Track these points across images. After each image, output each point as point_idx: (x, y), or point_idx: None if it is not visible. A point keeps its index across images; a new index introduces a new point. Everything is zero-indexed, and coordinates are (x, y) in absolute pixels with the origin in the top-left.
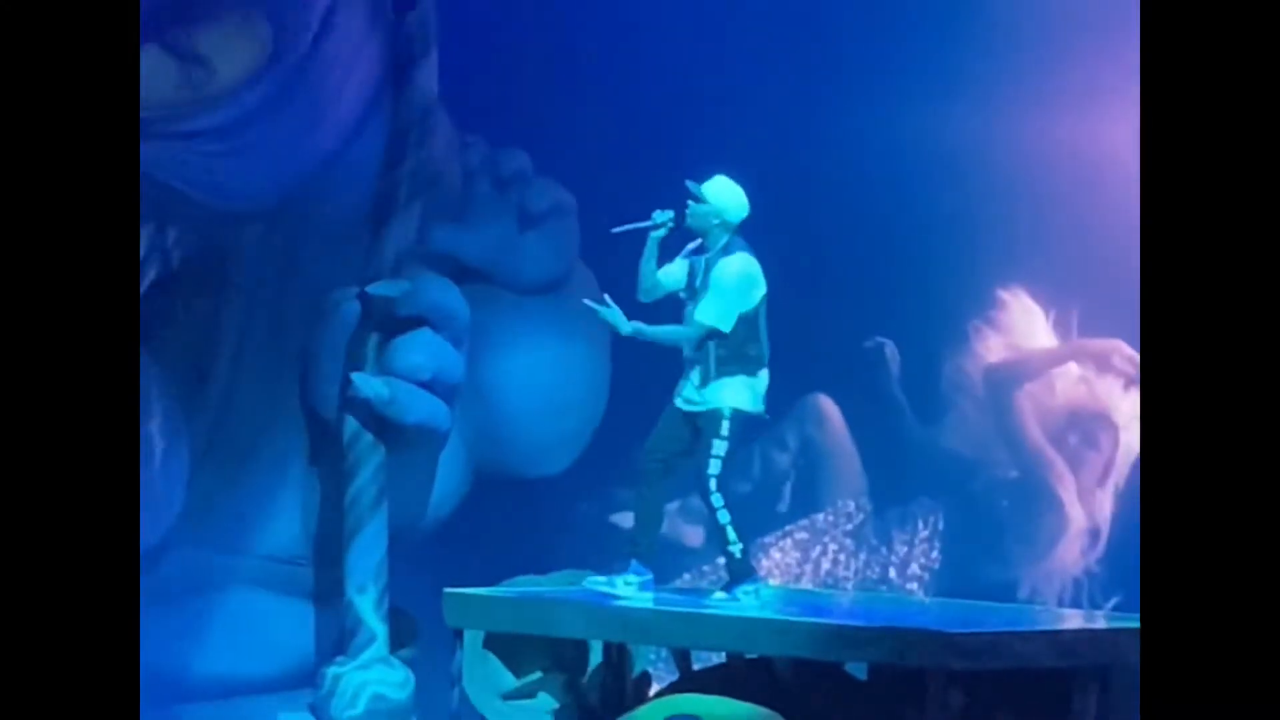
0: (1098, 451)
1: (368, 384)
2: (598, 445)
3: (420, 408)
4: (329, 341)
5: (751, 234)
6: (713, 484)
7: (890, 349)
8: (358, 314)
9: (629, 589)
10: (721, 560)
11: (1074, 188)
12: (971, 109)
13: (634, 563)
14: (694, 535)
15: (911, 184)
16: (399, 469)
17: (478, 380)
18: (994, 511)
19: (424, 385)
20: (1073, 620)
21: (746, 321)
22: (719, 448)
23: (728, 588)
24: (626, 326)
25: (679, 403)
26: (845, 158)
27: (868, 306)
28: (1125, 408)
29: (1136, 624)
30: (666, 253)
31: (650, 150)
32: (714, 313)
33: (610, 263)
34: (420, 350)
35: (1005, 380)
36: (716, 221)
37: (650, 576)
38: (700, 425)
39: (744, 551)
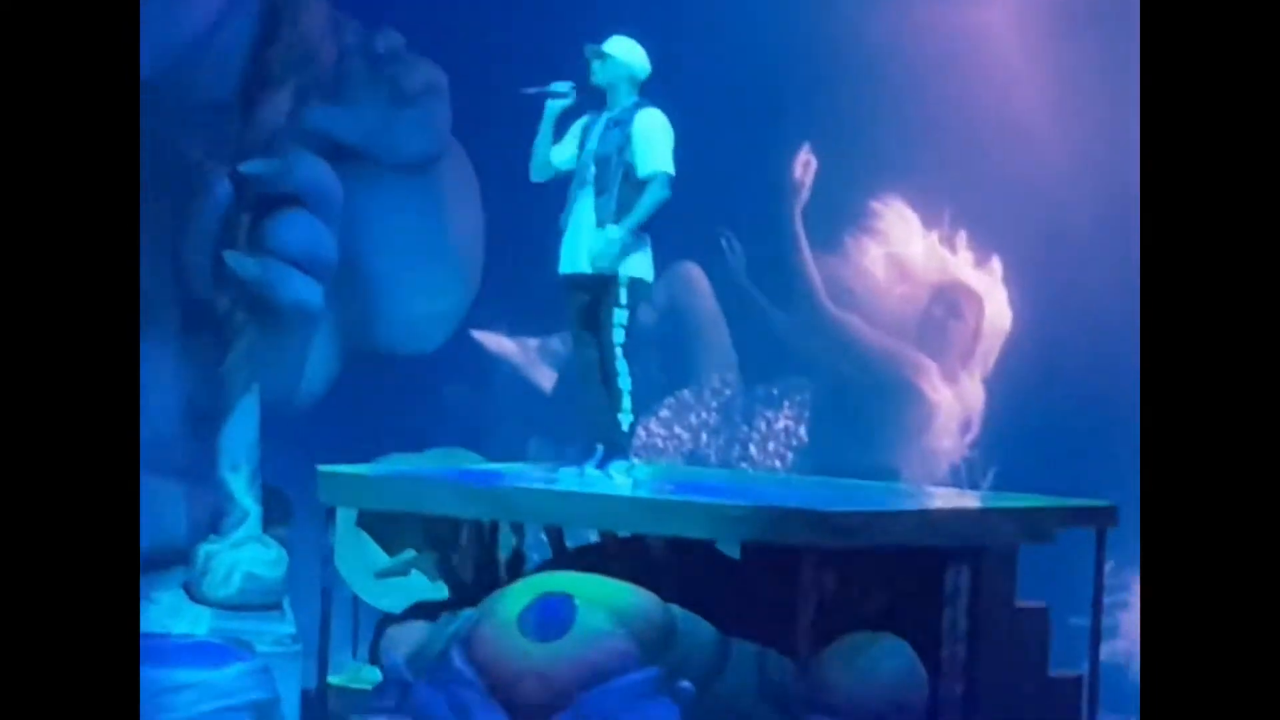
0: (961, 329)
1: (240, 263)
2: (471, 323)
3: (293, 286)
4: (201, 221)
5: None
6: (618, 351)
7: (731, 241)
8: (230, 193)
9: (620, 475)
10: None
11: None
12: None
13: (599, 447)
14: None
15: (806, 74)
16: (272, 347)
17: (351, 258)
18: (859, 397)
19: (296, 264)
20: (946, 499)
21: None
22: (621, 316)
23: (602, 462)
24: (607, 263)
25: (594, 260)
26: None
27: (750, 182)
28: (983, 282)
29: (1010, 504)
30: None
31: (522, 29)
32: (661, 158)
33: (483, 140)
34: (293, 229)
35: (862, 274)
36: (626, 75)
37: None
38: (598, 293)
39: (631, 427)
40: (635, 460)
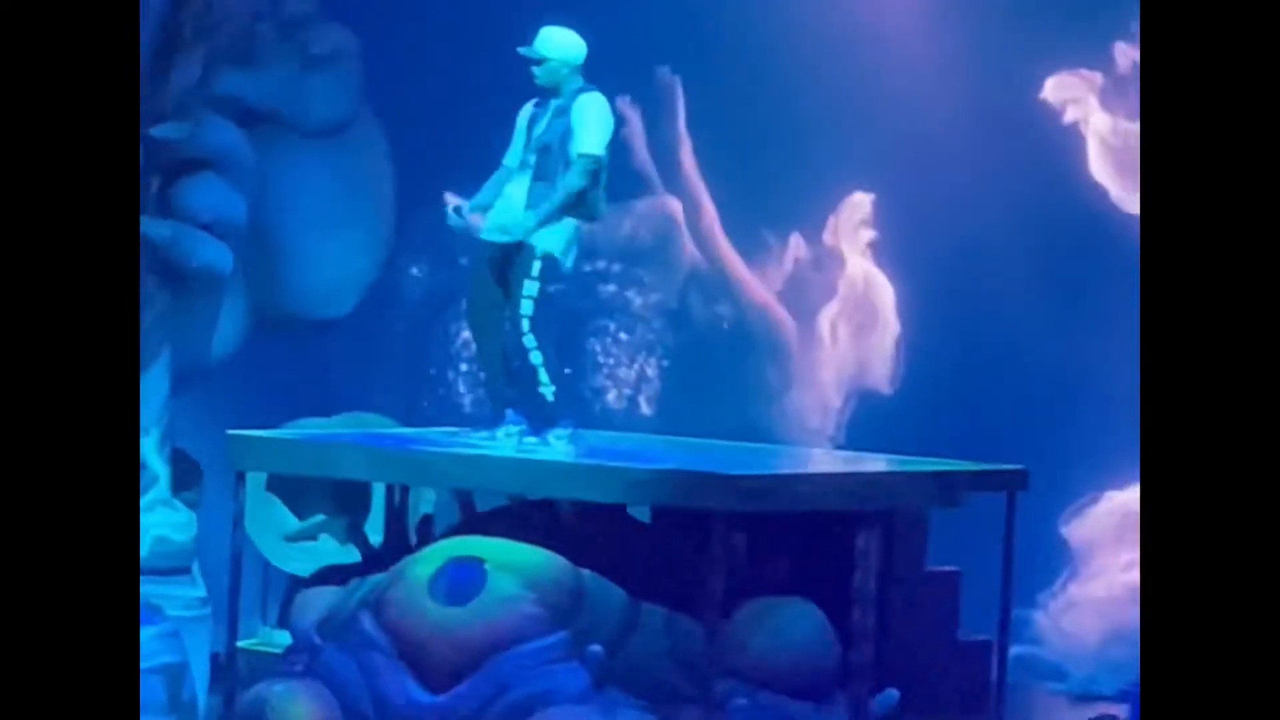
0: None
1: (150, 226)
2: (382, 288)
3: (203, 250)
4: None
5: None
6: (525, 324)
7: None
8: (140, 157)
9: (510, 440)
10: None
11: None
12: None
13: (510, 412)
14: None
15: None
16: (182, 311)
17: (261, 222)
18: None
19: (207, 228)
20: (856, 463)
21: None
22: (530, 288)
23: (538, 431)
24: (519, 231)
25: (504, 232)
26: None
27: None
28: (854, 245)
29: (919, 468)
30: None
31: None
32: (592, 140)
33: (395, 105)
34: (203, 193)
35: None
36: (567, 70)
37: (525, 425)
38: (512, 262)
39: (556, 395)
40: (573, 427)
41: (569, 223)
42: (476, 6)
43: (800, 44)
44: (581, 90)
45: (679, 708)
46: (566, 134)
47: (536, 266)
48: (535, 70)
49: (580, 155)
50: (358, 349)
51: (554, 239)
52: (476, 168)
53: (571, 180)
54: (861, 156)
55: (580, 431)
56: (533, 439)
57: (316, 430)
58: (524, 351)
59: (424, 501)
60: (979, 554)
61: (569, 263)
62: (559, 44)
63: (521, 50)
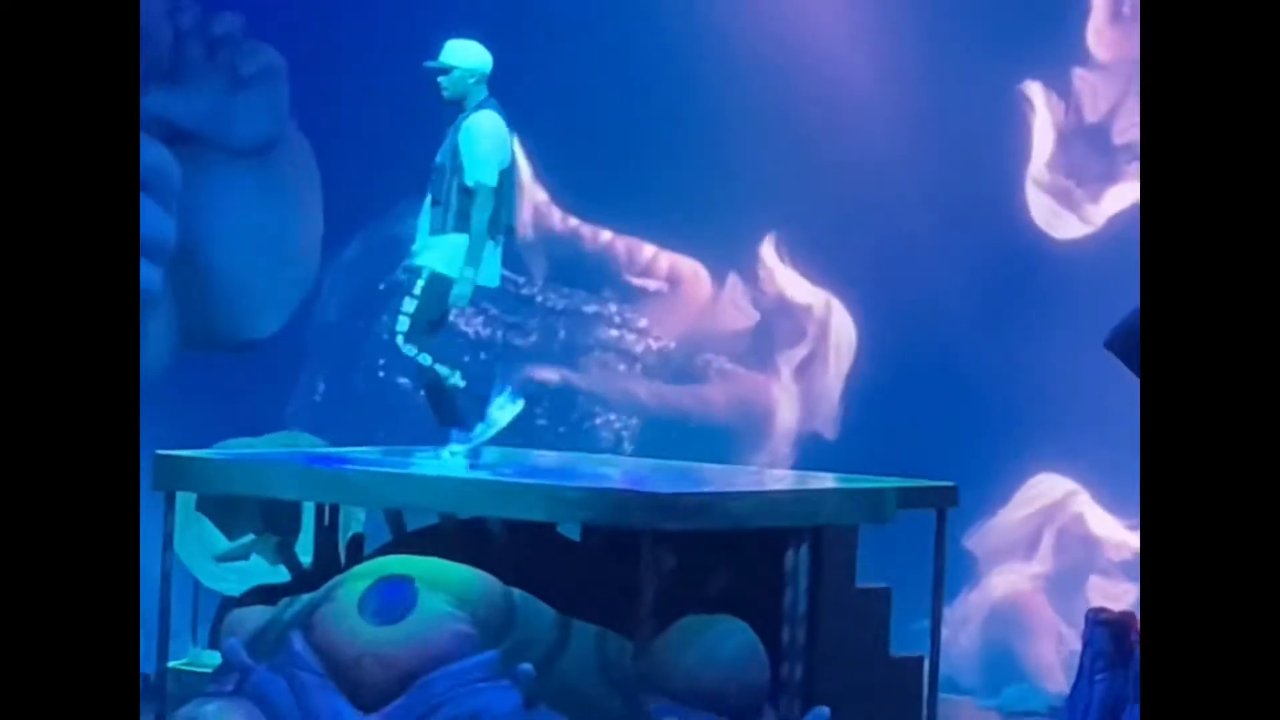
0: (803, 343)
1: None
2: (311, 307)
3: None
4: None
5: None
6: (399, 339)
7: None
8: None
9: (455, 459)
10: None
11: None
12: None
13: (454, 432)
14: None
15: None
16: None
17: (189, 242)
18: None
19: None
20: (784, 480)
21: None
22: (408, 305)
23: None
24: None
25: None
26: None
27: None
28: (814, 298)
29: (849, 484)
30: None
31: (361, 11)
32: (481, 168)
33: (322, 124)
34: None
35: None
36: (473, 80)
37: (470, 444)
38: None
39: (468, 383)
40: (477, 443)
41: (458, 238)
42: (404, 25)
43: (733, 64)
44: (479, 106)
45: None
46: (455, 154)
47: (419, 285)
48: (441, 81)
49: (478, 184)
50: (286, 368)
51: (438, 257)
52: (404, 186)
53: (477, 216)
54: (795, 186)
55: (483, 449)
56: (459, 448)
57: (246, 450)
58: (410, 360)
59: (354, 521)
60: (907, 569)
61: (493, 281)
62: (462, 53)
63: (427, 64)
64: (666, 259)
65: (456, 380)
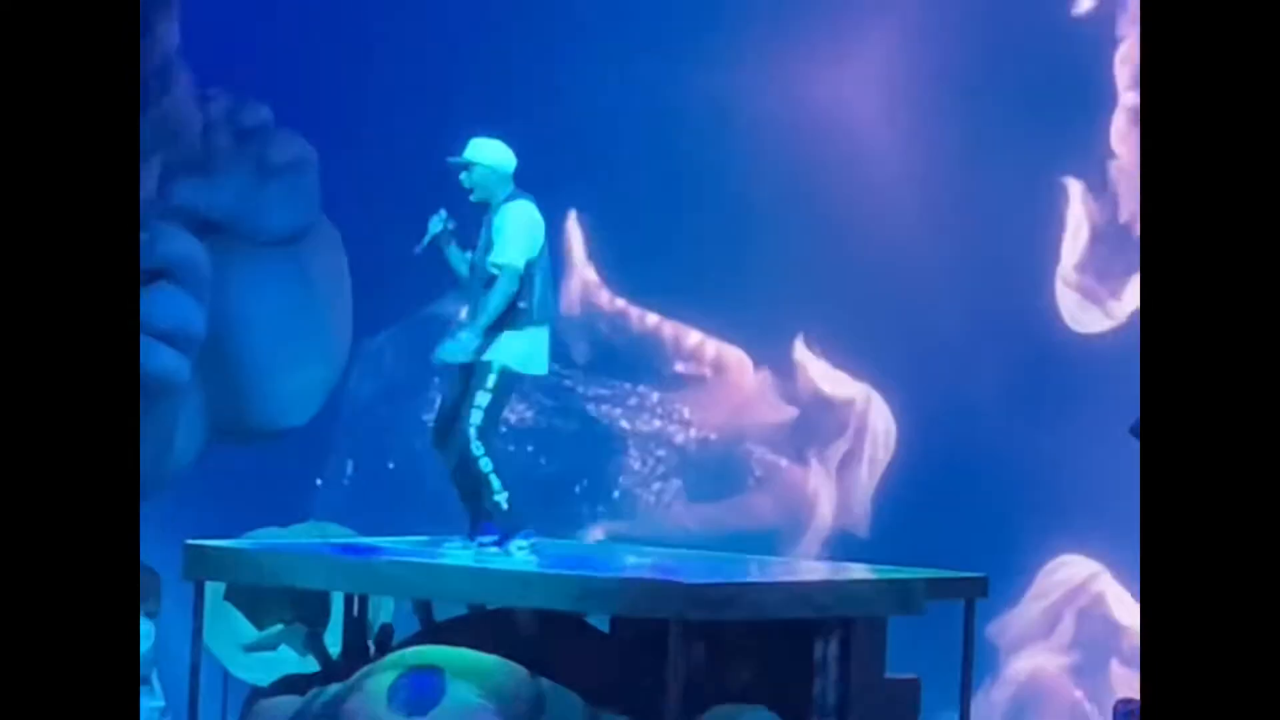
0: (842, 438)
1: None
2: (340, 398)
3: (159, 360)
4: None
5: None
6: (473, 433)
7: None
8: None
9: (483, 550)
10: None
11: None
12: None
13: (486, 524)
14: None
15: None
16: None
17: (218, 332)
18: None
19: (163, 337)
20: (815, 571)
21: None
22: (482, 399)
23: (500, 542)
24: (463, 355)
25: (448, 354)
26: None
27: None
28: (854, 391)
29: (879, 575)
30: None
31: (392, 104)
32: (506, 253)
33: (352, 214)
34: (160, 303)
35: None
36: (496, 179)
37: (496, 537)
38: (469, 376)
39: (510, 501)
40: (534, 535)
41: (529, 333)
42: (434, 116)
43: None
44: (511, 196)
45: None
46: (487, 246)
47: (492, 380)
48: (462, 178)
49: (494, 265)
50: (316, 458)
51: (509, 352)
52: (436, 275)
53: (493, 294)
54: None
55: (542, 540)
56: (493, 549)
57: (275, 539)
58: (473, 460)
59: (383, 611)
60: (933, 659)
61: (539, 369)
62: (484, 151)
63: (450, 159)
64: (713, 346)
65: (501, 500)
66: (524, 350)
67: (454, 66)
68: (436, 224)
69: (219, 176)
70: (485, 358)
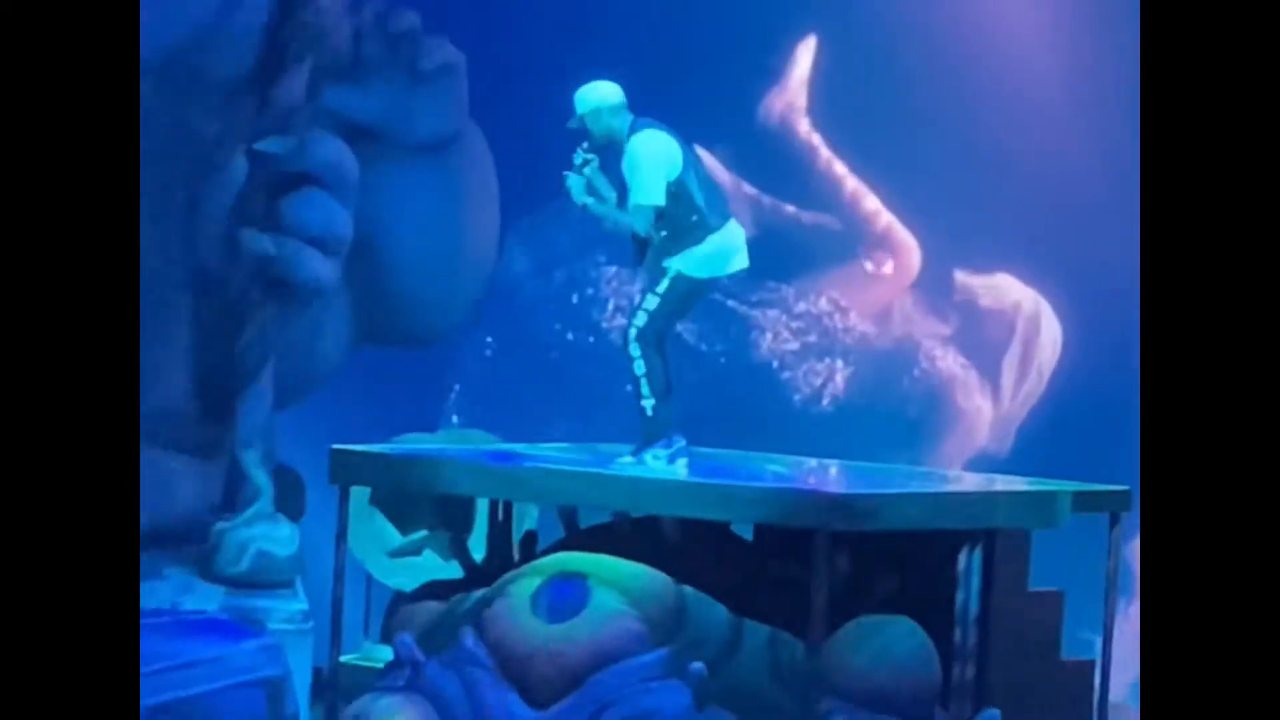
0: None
1: (255, 241)
2: (487, 306)
3: (308, 265)
4: (217, 198)
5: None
6: (633, 333)
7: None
8: (246, 171)
9: (658, 462)
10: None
11: None
12: None
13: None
14: None
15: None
16: (286, 326)
17: (366, 238)
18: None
19: (312, 242)
20: (959, 483)
21: (672, 195)
22: (650, 301)
23: (637, 451)
24: (580, 197)
25: (572, 187)
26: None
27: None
28: (1022, 296)
29: (1022, 488)
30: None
31: (539, 9)
32: (640, 191)
33: (500, 121)
34: (308, 208)
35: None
36: (607, 116)
37: (683, 443)
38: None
39: (655, 409)
40: (679, 443)
41: (708, 241)
42: (581, 22)
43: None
44: (633, 129)
45: None
46: (625, 186)
47: (664, 284)
48: (589, 131)
49: (638, 205)
50: (462, 364)
51: (687, 259)
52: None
53: (635, 220)
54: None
55: (682, 450)
56: (629, 459)
57: (421, 445)
58: (630, 360)
59: (527, 517)
60: (1079, 574)
61: (718, 271)
62: (588, 98)
63: (570, 124)
64: (886, 218)
65: (647, 406)
66: (701, 256)
67: None
68: (580, 156)
69: (368, 81)
70: (664, 263)
